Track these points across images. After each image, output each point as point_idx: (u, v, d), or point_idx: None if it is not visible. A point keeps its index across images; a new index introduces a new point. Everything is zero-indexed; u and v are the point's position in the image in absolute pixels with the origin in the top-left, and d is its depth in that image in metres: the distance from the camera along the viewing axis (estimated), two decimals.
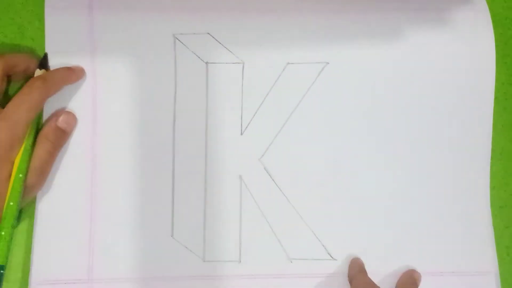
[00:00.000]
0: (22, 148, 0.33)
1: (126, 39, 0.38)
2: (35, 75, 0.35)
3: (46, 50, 0.37)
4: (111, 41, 0.38)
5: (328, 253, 0.36)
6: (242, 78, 0.37)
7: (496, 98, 0.38)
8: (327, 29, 0.38)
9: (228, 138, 0.37)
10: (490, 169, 0.38)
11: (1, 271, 0.32)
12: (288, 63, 0.37)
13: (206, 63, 0.38)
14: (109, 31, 0.38)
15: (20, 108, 0.33)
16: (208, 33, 0.38)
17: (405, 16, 0.38)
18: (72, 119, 0.36)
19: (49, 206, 0.36)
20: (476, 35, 0.38)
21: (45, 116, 0.36)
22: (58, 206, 0.36)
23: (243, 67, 0.37)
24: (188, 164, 0.37)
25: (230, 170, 0.37)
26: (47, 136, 0.35)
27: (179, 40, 0.38)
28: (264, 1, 0.38)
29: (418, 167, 0.37)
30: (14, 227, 0.32)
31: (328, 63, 0.37)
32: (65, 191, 0.36)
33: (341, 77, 0.37)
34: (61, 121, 0.35)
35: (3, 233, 0.32)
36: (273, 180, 0.37)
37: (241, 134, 0.37)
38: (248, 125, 0.37)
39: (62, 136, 0.36)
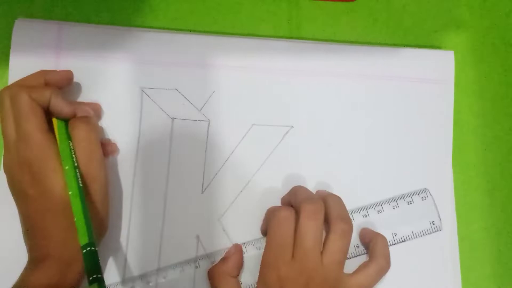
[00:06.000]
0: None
1: (91, 87, 0.38)
2: None
3: None
4: (75, 87, 0.37)
5: None
6: (207, 136, 0.37)
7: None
8: (293, 94, 0.38)
9: (188, 196, 0.37)
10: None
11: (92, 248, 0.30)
12: (254, 124, 0.38)
13: (172, 118, 0.38)
14: (74, 78, 0.37)
15: None
16: (176, 89, 0.38)
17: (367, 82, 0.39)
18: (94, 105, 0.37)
19: None
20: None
21: None
22: None
23: (208, 125, 0.38)
24: (146, 220, 0.36)
25: (188, 228, 0.36)
26: (76, 122, 0.34)
27: (146, 94, 0.38)
28: (233, 60, 0.39)
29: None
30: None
31: (292, 126, 0.38)
32: None
33: (304, 141, 0.38)
34: (83, 111, 0.35)
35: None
36: (231, 242, 0.36)
37: (202, 192, 0.37)
38: (209, 184, 0.37)
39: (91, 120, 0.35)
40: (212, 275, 0.34)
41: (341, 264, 0.33)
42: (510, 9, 0.42)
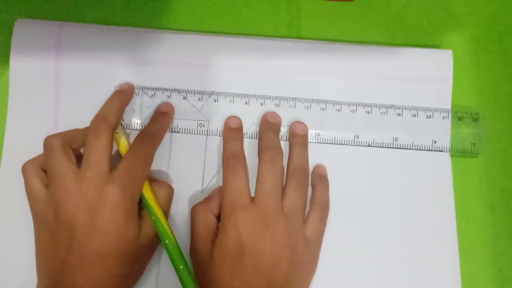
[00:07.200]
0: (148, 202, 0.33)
1: (91, 88, 0.38)
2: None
3: (9, 96, 0.37)
4: (76, 88, 0.38)
5: None
6: (207, 136, 0.37)
7: None
8: (293, 94, 0.39)
9: (188, 196, 0.37)
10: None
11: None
12: (253, 124, 0.38)
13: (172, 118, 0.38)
14: (74, 78, 0.38)
15: (136, 165, 0.32)
16: (176, 89, 0.38)
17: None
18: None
19: None
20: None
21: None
22: None
23: (208, 125, 0.38)
24: None
25: (188, 228, 0.36)
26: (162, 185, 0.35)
27: (146, 94, 0.38)
28: (233, 60, 0.39)
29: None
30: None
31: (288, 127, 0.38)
32: None
33: None
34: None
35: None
36: None
37: (202, 191, 0.37)
38: (210, 181, 0.37)
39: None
40: (195, 211, 0.34)
41: (300, 211, 0.33)
42: (509, 8, 0.42)
